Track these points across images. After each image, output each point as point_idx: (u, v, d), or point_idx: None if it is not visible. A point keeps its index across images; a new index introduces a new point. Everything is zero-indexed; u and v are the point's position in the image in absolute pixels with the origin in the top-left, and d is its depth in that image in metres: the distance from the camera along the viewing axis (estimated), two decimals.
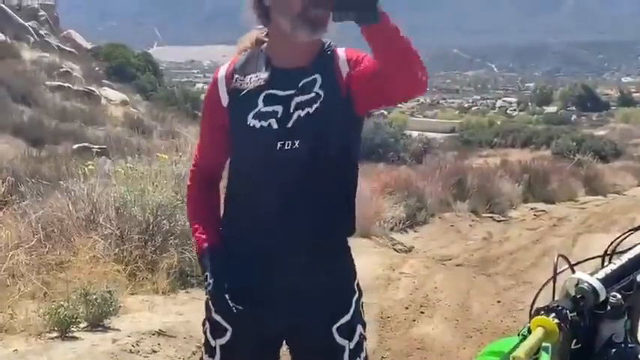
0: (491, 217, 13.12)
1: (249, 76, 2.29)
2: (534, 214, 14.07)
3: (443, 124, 70.70)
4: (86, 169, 6.88)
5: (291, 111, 2.22)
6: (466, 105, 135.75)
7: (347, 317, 2.33)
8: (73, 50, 31.61)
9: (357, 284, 2.42)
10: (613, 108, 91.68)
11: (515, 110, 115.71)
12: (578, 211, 14.76)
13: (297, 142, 2.21)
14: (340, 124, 2.27)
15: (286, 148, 2.21)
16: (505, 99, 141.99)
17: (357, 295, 2.39)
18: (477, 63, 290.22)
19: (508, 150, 39.46)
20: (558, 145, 33.56)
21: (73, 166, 7.13)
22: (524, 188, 15.77)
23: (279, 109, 2.23)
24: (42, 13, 33.99)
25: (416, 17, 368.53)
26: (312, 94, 2.23)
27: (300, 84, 2.24)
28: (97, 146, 14.71)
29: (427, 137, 33.06)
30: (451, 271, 8.34)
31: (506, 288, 7.51)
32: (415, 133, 35.71)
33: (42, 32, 31.34)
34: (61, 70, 25.70)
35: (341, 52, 2.32)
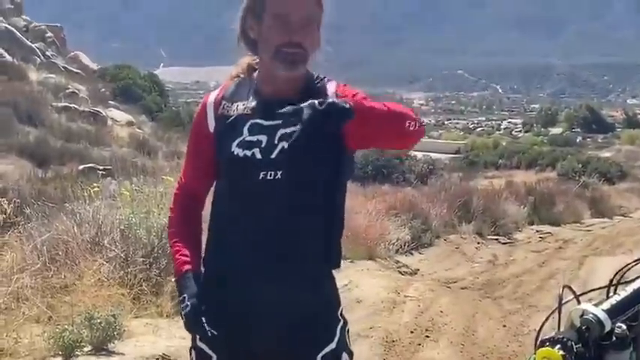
0: (496, 239, 13.09)
1: (237, 104, 2.31)
2: (540, 237, 14.03)
3: (448, 145, 70.67)
4: (91, 191, 6.90)
5: (276, 142, 2.23)
6: (471, 126, 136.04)
7: (332, 345, 2.31)
8: (79, 71, 31.74)
9: (341, 313, 2.38)
10: (618, 130, 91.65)
11: (520, 131, 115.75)
12: (583, 234, 14.72)
13: (279, 173, 2.21)
14: (324, 158, 2.25)
15: (268, 178, 2.21)
16: (510, 120, 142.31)
17: (341, 323, 2.36)
18: (481, 84, 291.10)
19: (513, 171, 39.42)
20: (564, 167, 33.51)
21: (78, 188, 7.13)
22: (529, 210, 15.73)
23: (263, 138, 2.24)
24: (49, 34, 34.18)
25: (421, 38, 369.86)
26: (297, 127, 2.19)
27: (287, 115, 2.17)
28: (102, 167, 14.71)
29: (432, 158, 32.93)
30: (456, 295, 8.30)
31: (512, 312, 7.47)
32: (420, 154, 35.60)
33: (49, 53, 31.49)
34: (67, 91, 25.81)
35: (331, 86, 2.33)
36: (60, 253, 5.63)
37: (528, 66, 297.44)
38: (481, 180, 28.15)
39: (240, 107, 2.30)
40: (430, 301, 7.67)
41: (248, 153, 2.23)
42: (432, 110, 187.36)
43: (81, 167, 15.06)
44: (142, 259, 5.76)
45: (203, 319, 2.26)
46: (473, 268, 10.37)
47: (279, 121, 2.23)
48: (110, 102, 29.56)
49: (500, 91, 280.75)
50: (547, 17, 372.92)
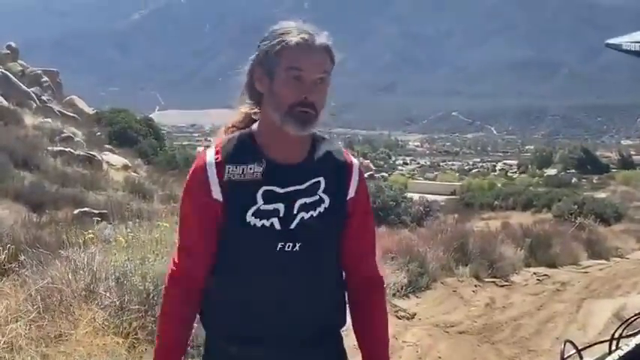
0: (493, 281, 13.01)
1: (242, 167, 2.20)
2: (537, 279, 13.96)
3: (443, 186, 70.91)
4: (86, 237, 6.87)
5: (295, 212, 2.19)
6: (466, 167, 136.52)
7: None
8: (75, 115, 31.83)
9: None
10: (613, 170, 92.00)
11: (515, 173, 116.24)
12: (581, 276, 14.65)
13: (298, 245, 2.18)
14: (338, 231, 2.28)
15: (286, 249, 2.17)
16: (505, 161, 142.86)
17: None
18: (476, 126, 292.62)
19: (509, 212, 39.46)
20: (559, 208, 33.52)
21: (73, 234, 7.10)
22: (526, 252, 15.68)
23: (280, 207, 2.18)
24: (45, 79, 34.36)
25: (417, 80, 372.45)
26: (316, 197, 2.21)
27: (305, 185, 2.20)
28: (97, 211, 14.67)
29: (428, 200, 32.97)
30: (455, 339, 8.24)
31: (510, 357, 7.42)
32: (416, 196, 35.68)
33: (45, 98, 31.61)
34: (62, 135, 25.85)
35: (356, 169, 2.33)
36: (54, 301, 5.58)
37: (523, 107, 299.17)
38: (477, 221, 28.14)
39: (247, 172, 2.20)
40: (428, 346, 7.61)
41: (266, 223, 2.17)
42: (428, 152, 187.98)
43: (76, 212, 14.99)
44: (137, 307, 5.70)
45: None
46: (470, 312, 10.30)
47: (296, 188, 2.20)
48: (106, 146, 29.62)
49: (495, 132, 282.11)
50: (541, 59, 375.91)
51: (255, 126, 2.31)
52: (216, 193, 2.21)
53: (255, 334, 2.23)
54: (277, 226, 2.18)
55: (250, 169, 2.20)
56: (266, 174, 2.20)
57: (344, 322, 2.41)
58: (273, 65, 2.16)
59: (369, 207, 2.41)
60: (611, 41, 2.39)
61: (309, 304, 2.24)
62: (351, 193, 2.30)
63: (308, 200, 2.20)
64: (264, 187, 2.19)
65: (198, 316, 2.37)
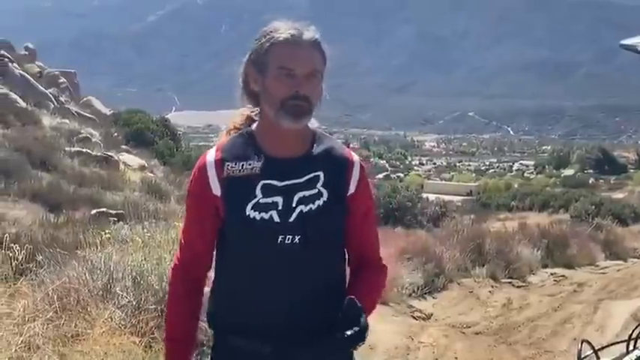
0: (510, 282, 12.97)
1: (242, 163, 2.25)
2: (554, 280, 13.90)
3: (460, 187, 70.79)
4: (103, 237, 6.90)
5: (294, 205, 2.21)
6: (483, 168, 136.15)
7: None
8: (92, 116, 31.95)
9: None
10: (631, 171, 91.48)
11: (532, 173, 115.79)
12: (598, 277, 14.57)
13: (297, 238, 2.20)
14: (338, 224, 2.29)
15: (286, 242, 2.20)
16: (522, 162, 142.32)
17: None
18: (493, 126, 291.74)
19: (526, 213, 39.28)
20: (577, 209, 33.34)
21: (90, 234, 7.13)
22: (543, 253, 15.60)
23: (279, 200, 2.21)
24: (62, 80, 34.51)
25: (433, 81, 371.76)
26: (315, 191, 2.23)
27: (304, 179, 2.23)
28: (114, 211, 14.71)
29: (444, 200, 32.91)
30: (471, 340, 8.21)
31: (527, 357, 7.39)
32: (432, 197, 35.67)
33: (62, 99, 31.75)
34: (80, 135, 25.93)
35: (357, 165, 2.35)
36: (71, 300, 5.60)
37: (540, 108, 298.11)
38: (494, 222, 28.02)
39: (246, 167, 2.25)
40: (444, 347, 7.59)
41: (265, 216, 2.20)
42: (444, 152, 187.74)
43: (93, 212, 15.03)
44: (153, 307, 5.72)
45: None
46: (487, 313, 10.26)
47: (294, 182, 2.23)
48: (122, 146, 29.71)
49: (511, 132, 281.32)
50: (557, 59, 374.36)
51: (254, 125, 2.35)
52: (216, 190, 2.26)
53: (258, 327, 2.25)
54: (276, 218, 2.20)
55: (249, 164, 2.25)
56: (264, 168, 2.24)
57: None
58: (264, 63, 2.21)
59: (372, 204, 2.43)
60: (626, 42, 2.38)
61: (311, 296, 2.25)
62: (351, 189, 2.31)
63: (307, 193, 2.23)
64: (263, 181, 2.23)
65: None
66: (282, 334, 2.23)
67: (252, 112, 2.38)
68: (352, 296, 2.14)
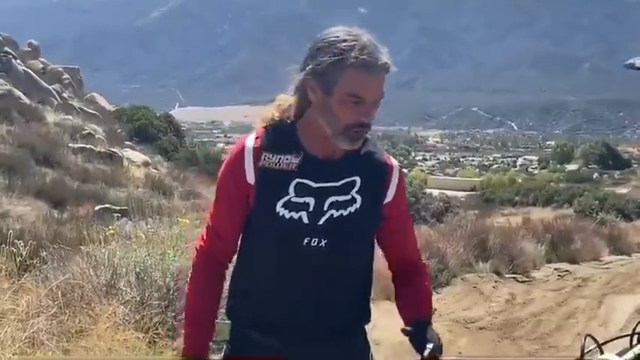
0: (514, 277, 12.94)
1: (279, 157, 2.19)
2: (558, 275, 13.86)
3: (463, 182, 70.70)
4: (107, 233, 6.90)
5: (325, 208, 2.18)
6: (487, 163, 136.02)
7: None
8: (96, 112, 31.98)
9: None
10: (635, 166, 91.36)
11: (536, 168, 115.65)
12: (602, 272, 14.53)
13: (324, 242, 2.18)
14: (369, 231, 2.28)
15: (312, 245, 2.17)
16: (526, 157, 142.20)
17: None
18: (496, 121, 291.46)
19: (530, 208, 39.21)
20: (581, 204, 33.29)
21: (94, 230, 7.14)
22: (547, 248, 15.57)
23: (311, 201, 2.18)
24: (66, 76, 34.53)
25: (436, 76, 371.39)
26: (349, 197, 2.20)
27: (340, 183, 2.19)
28: (118, 207, 14.73)
29: (448, 196, 32.91)
30: (475, 335, 8.21)
31: (531, 353, 7.38)
32: (436, 192, 35.63)
33: (66, 95, 31.80)
34: (83, 132, 25.97)
35: (396, 171, 2.32)
36: (75, 296, 5.61)
37: (543, 103, 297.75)
38: (497, 217, 27.97)
39: (283, 161, 2.18)
40: (448, 342, 7.58)
41: (295, 215, 2.17)
42: (447, 148, 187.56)
43: (97, 208, 15.06)
44: (157, 302, 5.73)
45: None
46: (491, 308, 10.25)
47: (330, 185, 2.19)
48: (126, 142, 29.74)
49: (515, 128, 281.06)
50: (562, 54, 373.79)
51: (297, 121, 2.27)
52: (250, 178, 2.21)
53: (277, 323, 2.24)
54: (305, 220, 2.17)
55: (287, 159, 2.19)
56: (301, 166, 2.19)
57: (369, 319, 2.42)
58: (332, 83, 2.09)
59: (407, 208, 2.43)
60: (628, 62, 2.41)
61: (332, 299, 2.23)
62: (389, 196, 2.29)
63: (340, 198, 2.19)
64: (298, 180, 2.18)
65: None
66: (302, 333, 2.23)
67: (291, 105, 2.29)
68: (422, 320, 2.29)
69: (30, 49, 34.01)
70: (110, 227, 7.20)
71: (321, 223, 2.18)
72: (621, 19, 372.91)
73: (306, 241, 2.17)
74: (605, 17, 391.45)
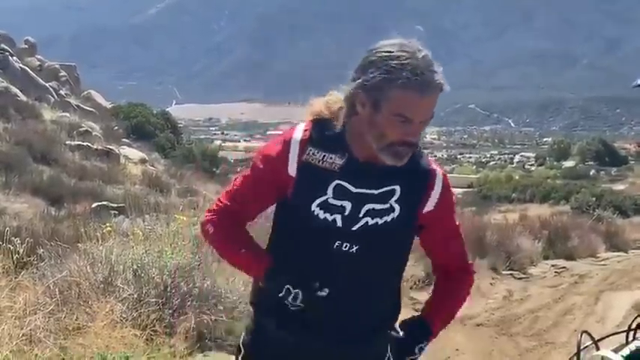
0: (511, 274, 12.96)
1: (323, 154, 2.17)
2: (555, 271, 13.90)
3: (461, 179, 70.66)
4: (104, 230, 6.90)
5: (361, 215, 2.16)
6: (484, 160, 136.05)
7: None
8: (92, 110, 31.95)
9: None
10: (632, 162, 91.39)
11: (533, 165, 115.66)
12: (599, 268, 14.57)
13: (355, 247, 2.16)
14: (404, 240, 2.28)
15: (343, 249, 2.16)
16: (523, 154, 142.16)
17: None
18: (494, 118, 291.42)
19: (527, 205, 39.32)
20: (577, 200, 33.37)
21: (91, 228, 7.13)
22: (544, 244, 15.60)
23: (347, 205, 2.15)
24: (63, 73, 34.49)
25: None
26: (387, 206, 2.18)
27: (379, 191, 2.17)
28: (115, 205, 14.72)
29: None
30: (472, 332, 8.23)
31: (528, 349, 7.40)
32: None
33: (62, 92, 31.77)
34: (80, 129, 25.93)
35: (439, 179, 2.28)
36: (73, 294, 5.61)
37: (540, 99, 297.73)
38: (495, 214, 28.02)
39: (327, 160, 2.16)
40: (446, 339, 7.58)
41: (329, 217, 2.16)
42: (445, 144, 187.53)
43: (94, 205, 15.04)
44: (154, 300, 5.73)
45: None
46: (488, 304, 10.26)
47: (369, 192, 2.17)
48: (123, 140, 29.71)
49: (512, 124, 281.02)
50: (559, 51, 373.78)
51: (345, 123, 2.22)
52: (292, 170, 2.19)
53: (303, 322, 2.22)
54: (339, 223, 2.15)
55: (331, 158, 2.17)
56: (344, 168, 2.16)
57: (397, 316, 2.41)
58: (381, 99, 2.06)
59: (455, 217, 2.40)
60: (637, 83, 2.44)
61: (358, 303, 2.22)
62: (429, 206, 2.26)
63: (377, 207, 2.17)
64: (338, 181, 2.16)
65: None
66: (323, 332, 2.22)
67: (341, 107, 2.23)
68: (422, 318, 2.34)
69: (27, 46, 33.96)
70: (107, 224, 7.19)
71: (354, 229, 2.16)
72: (618, 16, 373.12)
73: (336, 244, 2.16)
74: (602, 13, 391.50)
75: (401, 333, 2.28)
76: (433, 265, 2.47)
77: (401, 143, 2.08)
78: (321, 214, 2.15)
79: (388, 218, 2.18)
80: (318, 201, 2.15)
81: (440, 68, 2.10)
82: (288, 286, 2.15)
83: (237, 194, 2.30)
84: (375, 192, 2.17)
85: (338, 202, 2.15)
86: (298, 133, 2.21)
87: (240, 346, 2.39)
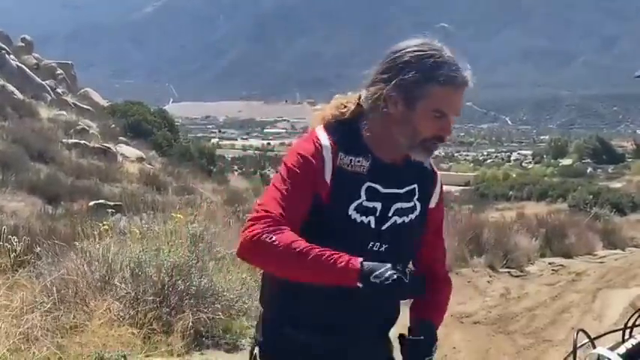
0: (508, 272, 12.97)
1: (350, 158, 2.18)
2: (552, 269, 13.90)
3: (458, 177, 70.70)
4: (101, 228, 6.89)
5: (390, 214, 2.22)
6: (481, 158, 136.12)
7: None
8: (89, 108, 31.97)
9: None
10: (629, 160, 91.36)
11: (530, 163, 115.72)
12: (596, 266, 14.58)
13: (384, 246, 2.21)
14: (418, 238, 2.34)
15: (374, 249, 2.20)
16: (520, 152, 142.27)
17: None
18: (491, 116, 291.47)
19: (524, 203, 39.29)
20: (575, 198, 33.38)
21: (88, 226, 7.12)
22: (541, 242, 15.60)
23: (378, 206, 2.20)
24: (60, 71, 34.50)
25: None
26: (412, 204, 2.26)
27: (404, 190, 2.25)
28: (112, 203, 14.72)
29: None
30: (470, 330, 8.23)
31: (525, 347, 7.40)
32: None
33: (59, 90, 31.77)
34: (77, 127, 25.95)
35: (439, 178, 2.40)
36: (70, 292, 5.61)
37: (537, 97, 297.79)
38: (492, 212, 28.02)
39: (356, 163, 2.18)
40: (443, 336, 7.58)
41: (365, 220, 2.19)
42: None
43: (91, 203, 15.06)
44: (152, 298, 5.73)
45: None
46: (485, 302, 10.26)
47: (396, 191, 2.23)
48: (120, 138, 29.72)
49: (509, 122, 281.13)
50: (556, 49, 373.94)
51: (360, 125, 2.24)
52: (328, 176, 2.16)
53: (327, 323, 2.25)
54: (373, 224, 2.19)
55: (358, 161, 2.19)
56: (372, 170, 2.20)
57: (398, 316, 2.47)
58: (417, 97, 2.13)
59: (442, 222, 2.46)
60: (638, 73, 2.45)
61: (381, 301, 2.20)
62: (432, 203, 2.35)
63: (404, 205, 2.24)
64: (369, 183, 2.19)
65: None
66: (345, 330, 2.26)
67: (350, 109, 2.26)
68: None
69: (23, 44, 33.97)
70: (104, 223, 7.19)
71: (384, 228, 2.21)
72: (615, 13, 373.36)
73: (370, 245, 2.20)
74: (599, 11, 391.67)
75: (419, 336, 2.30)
76: (416, 265, 2.45)
77: (434, 138, 2.17)
78: (358, 218, 2.18)
79: (413, 216, 2.26)
80: (354, 205, 2.18)
81: (467, 64, 2.22)
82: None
83: (281, 200, 2.15)
84: (401, 191, 2.24)
85: (370, 204, 2.19)
86: (325, 140, 2.19)
87: (255, 348, 2.39)
